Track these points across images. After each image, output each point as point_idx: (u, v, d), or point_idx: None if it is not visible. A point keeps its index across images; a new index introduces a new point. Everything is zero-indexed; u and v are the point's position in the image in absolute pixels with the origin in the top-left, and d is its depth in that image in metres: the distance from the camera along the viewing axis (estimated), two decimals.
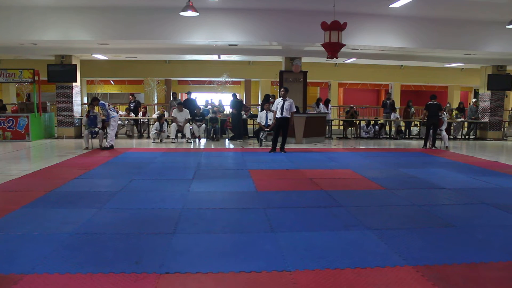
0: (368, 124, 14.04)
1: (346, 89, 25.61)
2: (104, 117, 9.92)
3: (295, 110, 9.51)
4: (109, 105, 10.13)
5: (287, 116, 9.19)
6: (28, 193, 5.10)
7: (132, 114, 13.41)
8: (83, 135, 10.53)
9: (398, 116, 14.23)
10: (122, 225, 3.91)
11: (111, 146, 9.67)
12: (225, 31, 10.60)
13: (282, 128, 9.34)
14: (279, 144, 9.46)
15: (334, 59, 9.46)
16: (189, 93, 13.40)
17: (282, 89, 9.55)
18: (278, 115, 9.23)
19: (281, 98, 9.25)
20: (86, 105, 11.30)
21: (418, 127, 14.75)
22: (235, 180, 6.18)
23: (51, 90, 14.95)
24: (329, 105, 14.76)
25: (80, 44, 11.74)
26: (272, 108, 9.95)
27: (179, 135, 11.98)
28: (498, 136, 14.24)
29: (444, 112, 11.37)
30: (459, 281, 2.80)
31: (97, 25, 10.32)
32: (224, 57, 14.97)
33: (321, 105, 14.10)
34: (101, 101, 9.81)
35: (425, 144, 10.98)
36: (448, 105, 14.31)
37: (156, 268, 2.90)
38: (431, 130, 10.66)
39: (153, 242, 3.47)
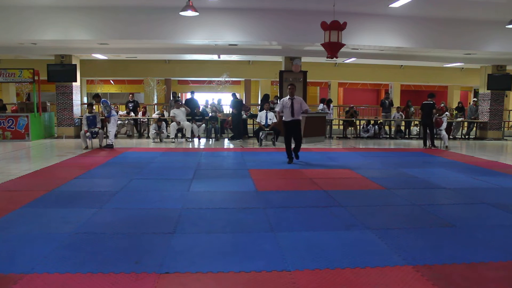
0: (367, 124, 14.02)
1: (346, 89, 25.62)
2: (103, 116, 9.93)
3: (307, 107, 8.01)
4: (110, 104, 10.16)
5: (299, 118, 7.73)
6: (28, 193, 5.10)
7: (132, 114, 13.42)
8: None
9: (398, 116, 14.16)
10: (122, 225, 3.91)
11: (111, 145, 9.67)
12: (225, 31, 10.59)
13: (293, 133, 7.75)
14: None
15: (334, 59, 9.45)
16: (192, 92, 13.49)
17: (289, 86, 7.76)
18: (288, 118, 7.65)
19: (288, 97, 7.70)
20: (86, 105, 11.23)
21: (418, 127, 14.76)
22: (235, 180, 6.18)
23: (51, 90, 14.95)
24: (331, 105, 14.76)
25: (80, 44, 11.74)
26: (276, 109, 8.44)
27: (179, 134, 11.99)
28: (498, 136, 14.25)
29: (447, 113, 11.41)
30: (459, 281, 2.80)
31: (97, 25, 10.32)
32: (224, 57, 14.98)
33: (321, 105, 14.10)
34: (103, 98, 9.83)
35: (424, 144, 10.99)
36: (442, 104, 14.34)
37: (156, 268, 2.90)
38: (428, 130, 10.74)
39: (153, 242, 3.46)
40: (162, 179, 6.23)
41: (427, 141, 10.91)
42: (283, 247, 3.35)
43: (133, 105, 13.65)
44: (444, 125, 11.00)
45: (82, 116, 10.75)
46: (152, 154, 9.02)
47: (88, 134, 9.73)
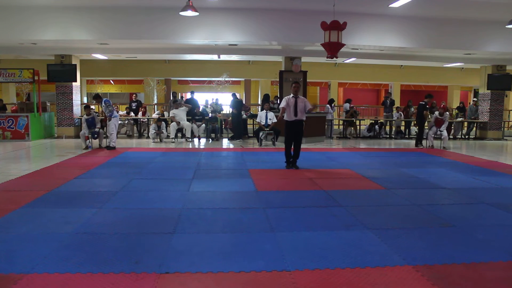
0: (375, 124, 13.99)
1: (346, 89, 25.61)
2: (102, 116, 9.90)
3: (310, 107, 7.33)
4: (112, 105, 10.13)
5: (302, 119, 7.16)
6: (28, 193, 5.10)
7: (132, 114, 13.42)
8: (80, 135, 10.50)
9: (398, 116, 14.16)
10: (122, 225, 3.91)
11: (113, 148, 9.62)
12: (225, 31, 10.59)
13: (295, 135, 7.22)
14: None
15: (334, 58, 9.45)
16: (192, 92, 13.51)
17: (294, 84, 7.30)
18: (290, 117, 7.12)
19: (292, 95, 7.18)
20: (85, 105, 11.17)
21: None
22: (235, 180, 6.18)
23: (51, 90, 14.95)
24: (333, 105, 14.81)
25: (80, 44, 11.74)
26: (281, 105, 7.46)
27: (179, 134, 11.99)
28: (498, 136, 14.24)
29: (447, 112, 11.46)
30: (459, 281, 2.80)
31: (97, 25, 10.31)
32: (224, 57, 14.97)
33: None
34: (104, 98, 9.80)
35: (422, 143, 11.06)
36: (443, 104, 14.32)
37: (156, 268, 2.90)
38: (426, 129, 10.88)
39: (152, 241, 3.47)
40: (162, 179, 6.23)
41: (427, 140, 10.97)
42: (283, 247, 3.35)
43: (136, 105, 13.67)
44: (445, 125, 11.00)
45: (82, 118, 10.73)
46: (152, 154, 9.02)
47: (88, 142, 9.73)
